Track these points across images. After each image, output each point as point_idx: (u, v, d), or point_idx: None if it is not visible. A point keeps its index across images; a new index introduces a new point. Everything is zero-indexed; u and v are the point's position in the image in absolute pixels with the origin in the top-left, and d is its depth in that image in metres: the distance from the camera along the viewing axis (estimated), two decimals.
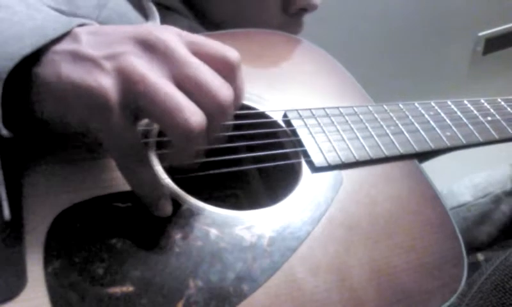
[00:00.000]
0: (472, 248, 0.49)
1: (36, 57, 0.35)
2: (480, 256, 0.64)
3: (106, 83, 0.34)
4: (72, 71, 0.34)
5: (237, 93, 0.39)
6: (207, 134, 0.36)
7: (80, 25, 0.37)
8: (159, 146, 0.43)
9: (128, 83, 0.34)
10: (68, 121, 0.36)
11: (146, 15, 0.59)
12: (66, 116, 0.35)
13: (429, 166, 0.53)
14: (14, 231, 0.34)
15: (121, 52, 0.35)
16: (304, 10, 0.66)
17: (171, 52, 0.36)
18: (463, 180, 0.73)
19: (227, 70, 0.38)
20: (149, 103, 0.34)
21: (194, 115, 0.34)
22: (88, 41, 0.36)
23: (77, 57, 0.35)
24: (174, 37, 0.37)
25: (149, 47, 0.36)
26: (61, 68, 0.34)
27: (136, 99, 0.34)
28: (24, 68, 0.34)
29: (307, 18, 0.69)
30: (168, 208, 0.38)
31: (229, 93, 0.37)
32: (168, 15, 0.62)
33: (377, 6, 1.39)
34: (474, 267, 0.54)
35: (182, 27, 0.39)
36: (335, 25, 1.21)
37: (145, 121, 0.44)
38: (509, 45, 1.71)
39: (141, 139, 0.42)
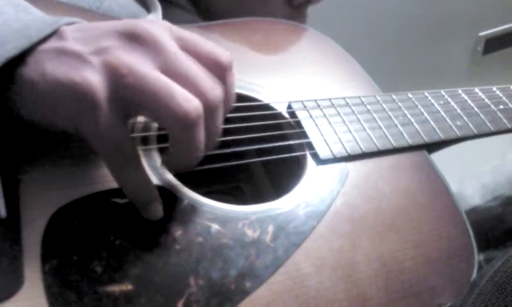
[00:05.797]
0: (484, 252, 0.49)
1: (21, 57, 0.34)
2: (480, 256, 0.63)
3: (93, 78, 0.33)
4: (57, 68, 0.33)
5: (227, 97, 0.38)
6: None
7: (68, 24, 0.36)
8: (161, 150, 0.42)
9: (117, 77, 0.33)
10: (55, 121, 0.35)
11: (148, 8, 0.59)
12: (52, 115, 0.34)
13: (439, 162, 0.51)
14: (10, 228, 0.34)
15: (107, 46, 0.34)
16: (308, 2, 0.66)
17: (159, 44, 0.35)
18: (471, 179, 0.72)
19: (217, 71, 0.37)
20: (140, 95, 0.33)
21: (188, 100, 0.33)
22: (73, 37, 0.35)
23: (62, 53, 0.34)
24: (163, 30, 0.36)
25: (136, 39, 0.35)
26: (45, 65, 0.33)
27: (125, 93, 0.33)
28: (7, 69, 0.33)
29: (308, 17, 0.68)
30: (158, 212, 0.37)
31: (219, 92, 0.36)
32: (169, 8, 0.62)
33: (377, 6, 1.39)
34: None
35: (184, 21, 0.38)
36: (335, 24, 1.20)
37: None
38: (509, 45, 1.72)
39: (139, 143, 0.42)
